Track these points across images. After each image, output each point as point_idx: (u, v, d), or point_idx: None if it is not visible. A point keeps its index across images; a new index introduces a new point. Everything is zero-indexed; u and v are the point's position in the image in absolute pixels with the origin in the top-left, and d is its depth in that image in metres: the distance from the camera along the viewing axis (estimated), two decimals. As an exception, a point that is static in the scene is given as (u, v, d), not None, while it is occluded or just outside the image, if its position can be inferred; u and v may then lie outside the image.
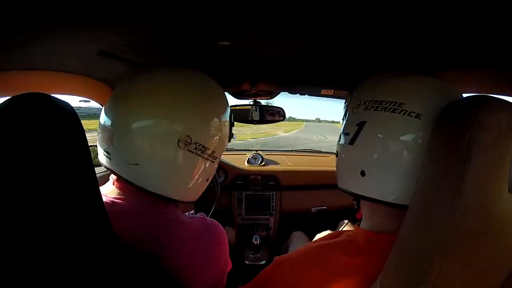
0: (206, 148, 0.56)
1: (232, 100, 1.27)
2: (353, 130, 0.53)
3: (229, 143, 0.66)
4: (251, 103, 1.32)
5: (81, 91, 0.84)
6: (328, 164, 1.66)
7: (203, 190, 0.63)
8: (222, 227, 0.62)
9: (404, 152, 0.48)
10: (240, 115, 1.35)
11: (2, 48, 0.53)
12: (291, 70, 0.92)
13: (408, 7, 0.44)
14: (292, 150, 2.15)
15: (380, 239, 0.50)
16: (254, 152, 1.79)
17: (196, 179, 0.58)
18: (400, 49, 0.63)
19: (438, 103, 0.48)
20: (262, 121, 1.38)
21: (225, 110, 0.62)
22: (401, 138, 0.48)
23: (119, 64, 0.71)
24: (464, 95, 0.49)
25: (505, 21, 0.42)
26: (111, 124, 0.55)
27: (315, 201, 1.57)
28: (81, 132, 0.46)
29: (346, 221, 1.06)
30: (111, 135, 0.54)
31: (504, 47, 0.53)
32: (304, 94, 1.17)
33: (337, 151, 0.59)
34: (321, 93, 1.09)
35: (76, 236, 0.43)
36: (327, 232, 0.84)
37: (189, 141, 0.53)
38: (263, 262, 1.40)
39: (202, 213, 0.63)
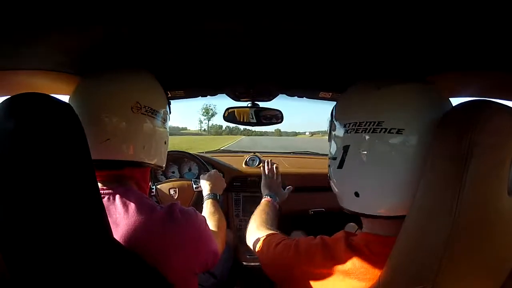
0: (154, 110, 0.67)
1: (230, 102, 1.28)
2: (340, 154, 0.54)
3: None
4: (249, 105, 1.32)
5: None
6: (326, 166, 1.66)
7: (166, 154, 0.75)
8: (193, 212, 0.64)
9: (392, 168, 0.48)
10: (237, 117, 1.35)
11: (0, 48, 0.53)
12: (290, 72, 0.93)
13: (406, 9, 0.44)
14: (290, 152, 2.16)
15: (379, 241, 0.50)
16: (252, 154, 1.79)
17: (156, 138, 0.69)
18: (398, 52, 0.63)
19: (420, 113, 0.47)
20: (259, 123, 1.38)
21: (162, 92, 0.73)
22: (385, 156, 0.48)
23: (116, 65, 0.70)
24: (464, 99, 0.49)
25: (505, 23, 0.42)
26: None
27: (313, 202, 1.57)
28: (81, 132, 0.45)
29: (352, 224, 1.06)
30: None
31: (503, 50, 0.53)
32: (302, 97, 1.17)
33: (329, 176, 0.60)
34: (320, 96, 1.10)
35: (74, 236, 0.43)
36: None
37: (139, 106, 0.63)
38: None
39: (177, 201, 0.65)
